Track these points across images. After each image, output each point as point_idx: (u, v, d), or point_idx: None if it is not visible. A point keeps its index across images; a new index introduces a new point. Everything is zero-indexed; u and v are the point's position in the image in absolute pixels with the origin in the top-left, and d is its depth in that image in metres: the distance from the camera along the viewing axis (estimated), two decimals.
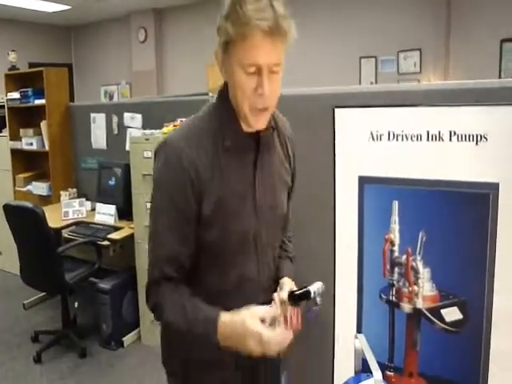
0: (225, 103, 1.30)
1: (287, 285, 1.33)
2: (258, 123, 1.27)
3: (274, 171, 1.38)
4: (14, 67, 5.38)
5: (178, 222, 1.27)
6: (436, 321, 2.05)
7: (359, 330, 2.23)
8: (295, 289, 1.28)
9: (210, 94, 4.19)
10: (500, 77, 6.19)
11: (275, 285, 1.39)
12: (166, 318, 1.27)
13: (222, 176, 1.27)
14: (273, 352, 1.14)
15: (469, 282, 2.01)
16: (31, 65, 8.89)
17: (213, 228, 1.28)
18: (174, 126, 3.61)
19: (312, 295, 1.22)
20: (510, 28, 5.96)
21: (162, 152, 1.28)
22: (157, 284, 1.29)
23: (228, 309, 1.21)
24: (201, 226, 1.28)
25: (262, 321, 1.16)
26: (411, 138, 2.11)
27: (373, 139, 2.18)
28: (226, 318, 1.19)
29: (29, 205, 3.37)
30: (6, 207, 3.48)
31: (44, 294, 4.35)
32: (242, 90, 1.21)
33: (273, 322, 1.16)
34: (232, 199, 1.28)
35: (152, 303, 1.30)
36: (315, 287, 1.25)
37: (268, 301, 1.29)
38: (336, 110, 2.26)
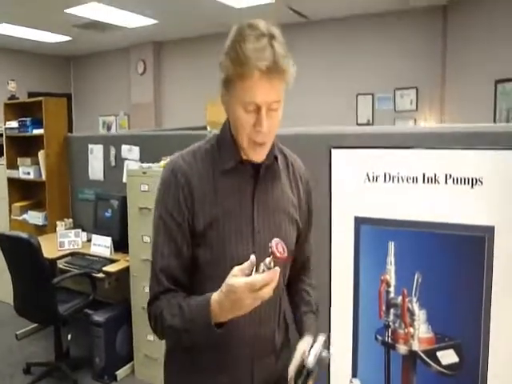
0: (227, 133, 1.35)
1: (299, 352, 1.30)
2: (257, 156, 1.30)
3: (276, 202, 1.39)
4: (13, 96, 5.42)
5: (172, 233, 1.31)
6: (432, 363, 2.05)
7: (355, 372, 2.22)
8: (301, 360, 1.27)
9: (209, 129, 4.25)
10: (495, 116, 6.27)
11: (278, 318, 1.42)
12: (165, 324, 1.26)
13: (216, 198, 1.30)
14: (267, 294, 1.11)
15: (465, 325, 2.02)
16: (30, 94, 8.98)
17: (206, 248, 1.31)
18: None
19: (314, 368, 1.23)
20: (504, 69, 6.07)
21: (164, 169, 1.37)
22: (156, 299, 1.31)
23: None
24: (194, 243, 1.31)
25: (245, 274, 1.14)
26: (407, 180, 2.14)
27: (369, 180, 2.21)
28: (214, 295, 1.18)
29: (24, 235, 3.36)
30: (1, 237, 3.47)
31: (37, 324, 4.29)
32: (241, 125, 1.25)
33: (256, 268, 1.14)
34: (227, 222, 1.30)
35: (153, 318, 1.31)
36: (316, 351, 1.26)
37: (268, 333, 1.36)
38: (333, 150, 2.29)
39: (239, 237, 1.31)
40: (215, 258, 1.30)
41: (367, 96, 7.75)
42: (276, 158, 1.38)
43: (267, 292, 1.10)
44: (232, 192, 1.32)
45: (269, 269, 1.10)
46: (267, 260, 1.11)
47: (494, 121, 6.13)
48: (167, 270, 1.31)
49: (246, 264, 1.14)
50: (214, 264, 1.30)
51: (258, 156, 1.30)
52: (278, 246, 1.11)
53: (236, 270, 1.13)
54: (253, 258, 1.14)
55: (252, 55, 1.16)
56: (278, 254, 1.09)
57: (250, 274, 1.12)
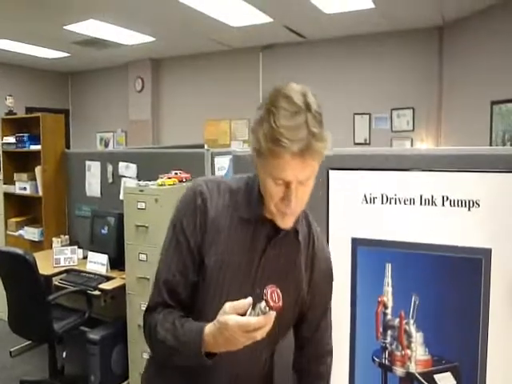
0: (255, 186, 1.33)
1: None
2: (284, 224, 1.29)
3: (285, 271, 1.38)
4: (10, 112, 5.45)
5: (183, 251, 1.32)
6: None
7: None
8: None
9: (206, 147, 4.27)
10: (491, 137, 6.32)
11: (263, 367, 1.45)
12: (157, 337, 1.27)
13: (227, 243, 1.30)
14: (260, 336, 1.11)
15: (462, 348, 2.01)
16: (28, 109, 9.01)
17: (203, 282, 1.31)
18: (169, 177, 3.65)
19: None
20: (499, 90, 6.14)
21: (188, 188, 1.37)
22: (154, 309, 1.32)
23: None
24: (198, 271, 1.32)
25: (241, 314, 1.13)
26: (404, 202, 2.15)
27: (366, 202, 2.22)
28: (208, 326, 1.18)
29: (19, 251, 3.36)
30: None
31: (31, 341, 4.26)
32: (270, 195, 1.24)
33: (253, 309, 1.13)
34: (228, 272, 1.30)
35: (147, 327, 1.33)
36: None
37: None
38: (330, 171, 2.30)
39: (236, 290, 1.29)
40: (209, 297, 1.31)
41: (364, 116, 7.80)
42: (297, 231, 1.37)
43: (261, 334, 1.11)
44: (244, 244, 1.32)
45: (264, 313, 1.10)
46: (262, 304, 1.10)
47: (490, 141, 6.19)
48: (170, 284, 1.32)
49: (241, 303, 1.13)
50: (208, 302, 1.32)
51: (286, 224, 1.29)
52: (272, 294, 1.09)
53: (228, 307, 1.13)
54: (250, 299, 1.13)
55: (285, 134, 1.12)
56: (271, 303, 1.08)
57: (243, 314, 1.12)
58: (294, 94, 1.20)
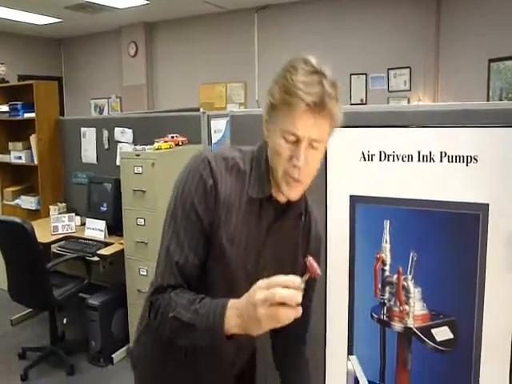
0: (262, 162, 1.33)
1: None
2: (291, 193, 1.27)
3: (287, 252, 1.39)
4: (3, 80, 5.37)
5: (195, 230, 1.28)
6: (427, 340, 2.05)
7: (350, 350, 2.23)
8: None
9: (202, 110, 4.22)
10: (488, 95, 6.28)
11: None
12: (170, 314, 1.21)
13: (237, 221, 1.30)
14: (285, 315, 1.03)
15: (459, 302, 2.02)
16: (21, 77, 8.88)
17: (216, 262, 1.31)
18: (165, 141, 3.62)
19: None
20: (497, 48, 6.06)
21: (194, 161, 1.32)
22: (164, 291, 1.26)
23: None
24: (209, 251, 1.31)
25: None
26: (402, 159, 2.13)
27: (364, 159, 2.20)
28: (235, 300, 1.14)
29: (17, 220, 3.35)
30: None
31: (32, 309, 4.29)
32: (278, 154, 1.22)
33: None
34: (237, 245, 1.30)
35: (156, 308, 1.26)
36: None
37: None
38: None
39: (244, 263, 1.32)
40: (222, 273, 1.31)
41: (361, 76, 7.71)
42: (301, 214, 1.39)
43: (285, 314, 1.04)
44: (251, 222, 1.32)
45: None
46: (298, 278, 1.06)
47: (488, 99, 6.14)
48: (183, 266, 1.27)
49: (288, 278, 1.06)
50: (223, 278, 1.32)
51: (292, 194, 1.27)
52: (313, 263, 1.09)
53: (263, 282, 1.07)
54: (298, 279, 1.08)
55: (301, 87, 1.15)
56: (317, 271, 1.08)
57: None
58: (311, 58, 1.24)
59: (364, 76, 7.69)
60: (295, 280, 1.05)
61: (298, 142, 1.19)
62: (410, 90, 7.32)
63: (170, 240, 1.29)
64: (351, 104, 7.61)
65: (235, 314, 1.11)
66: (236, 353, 1.42)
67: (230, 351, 1.37)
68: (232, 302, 1.13)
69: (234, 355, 1.43)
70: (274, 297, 1.02)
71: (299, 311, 1.04)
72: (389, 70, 7.45)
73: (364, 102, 7.69)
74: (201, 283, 1.30)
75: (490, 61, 6.24)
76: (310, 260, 1.09)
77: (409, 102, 7.22)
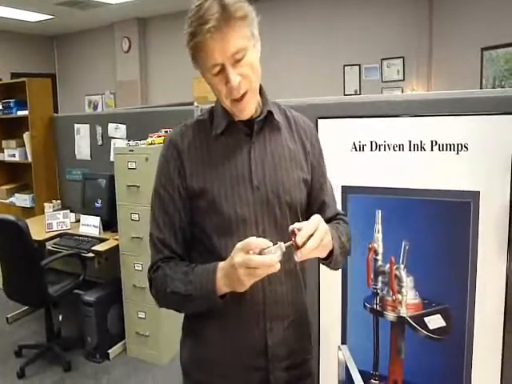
0: (218, 103, 1.35)
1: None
2: (242, 112, 1.28)
3: (278, 156, 1.35)
4: None
5: (165, 205, 1.33)
6: (420, 328, 2.06)
7: (344, 339, 2.23)
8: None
9: (196, 104, 4.20)
10: (481, 84, 6.28)
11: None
12: (168, 290, 1.26)
13: (210, 162, 1.31)
14: (258, 275, 1.10)
15: (451, 290, 2.03)
16: (14, 75, 8.87)
17: (206, 213, 1.30)
18: (159, 136, 3.61)
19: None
20: (490, 37, 6.06)
21: (162, 148, 1.39)
22: (158, 266, 1.32)
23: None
24: (195, 212, 1.32)
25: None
26: (393, 148, 2.13)
27: (356, 149, 2.20)
28: (221, 263, 1.19)
29: (11, 218, 3.34)
30: None
31: (28, 307, 4.29)
32: (217, 90, 1.25)
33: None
34: (222, 184, 1.29)
35: (154, 284, 1.32)
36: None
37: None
38: (319, 120, 2.27)
39: (237, 196, 1.29)
40: (218, 221, 1.29)
41: (354, 67, 7.71)
42: (270, 112, 1.34)
43: (263, 272, 1.10)
44: (227, 153, 1.32)
45: (282, 252, 1.10)
46: (282, 244, 1.10)
47: (481, 88, 6.14)
48: (164, 241, 1.33)
49: (258, 241, 1.11)
50: (220, 228, 1.29)
51: (243, 112, 1.28)
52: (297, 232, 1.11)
53: (240, 244, 1.12)
54: (269, 243, 1.11)
55: (196, 21, 1.16)
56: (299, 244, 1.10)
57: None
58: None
59: (357, 67, 7.69)
60: (266, 242, 1.10)
61: (223, 68, 1.20)
62: (403, 79, 7.32)
63: (151, 223, 1.37)
64: (345, 95, 7.61)
65: (223, 275, 1.17)
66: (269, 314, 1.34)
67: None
68: (219, 265, 1.19)
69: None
70: (250, 263, 1.08)
71: (277, 268, 1.09)
72: (382, 60, 7.45)
73: (358, 92, 7.69)
74: (201, 243, 1.34)
75: (483, 49, 6.24)
76: (295, 230, 1.12)
77: (402, 92, 7.22)
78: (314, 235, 1.13)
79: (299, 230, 1.13)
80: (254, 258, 1.08)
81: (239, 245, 1.12)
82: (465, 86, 5.88)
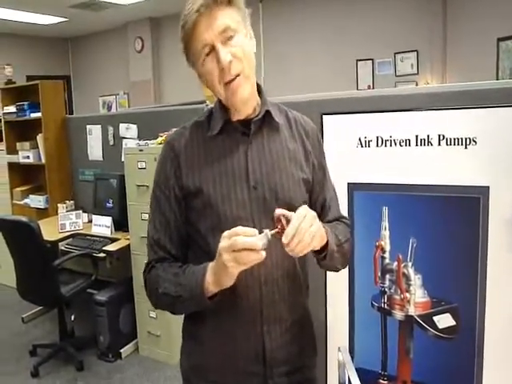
0: (216, 104, 1.34)
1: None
2: (236, 96, 1.24)
3: (276, 155, 1.32)
4: (10, 81, 5.39)
5: (161, 206, 1.33)
6: (428, 328, 2.02)
7: (351, 339, 2.20)
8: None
9: (207, 102, 4.19)
10: (498, 76, 6.17)
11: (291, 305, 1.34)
12: (159, 291, 1.26)
13: (206, 162, 1.29)
14: (247, 259, 1.06)
15: (461, 288, 1.98)
16: (29, 77, 8.93)
17: (202, 214, 1.28)
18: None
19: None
20: (506, 26, 5.94)
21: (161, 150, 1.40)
22: (152, 267, 1.33)
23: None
24: (191, 213, 1.31)
25: None
26: (400, 144, 2.08)
27: (361, 145, 2.16)
28: (211, 262, 1.17)
29: (23, 219, 3.36)
30: (1, 221, 3.48)
31: (42, 307, 4.33)
32: (210, 75, 1.23)
33: None
34: (218, 184, 1.27)
35: (148, 285, 1.33)
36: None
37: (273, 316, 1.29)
38: (324, 116, 2.24)
39: (233, 196, 1.26)
40: (213, 221, 1.26)
41: (367, 61, 7.63)
42: (268, 111, 1.32)
43: (248, 259, 1.06)
44: (223, 153, 1.30)
45: (268, 239, 1.08)
46: (267, 231, 1.09)
47: (497, 79, 6.03)
48: (159, 241, 1.33)
49: (245, 229, 1.08)
50: (215, 229, 1.25)
51: (236, 95, 1.23)
52: (280, 218, 1.11)
53: (226, 232, 1.10)
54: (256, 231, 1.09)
55: (188, 10, 1.18)
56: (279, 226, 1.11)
57: None
58: None
59: (370, 61, 7.60)
60: (253, 230, 1.08)
61: (212, 49, 1.19)
62: (417, 73, 7.21)
63: (148, 224, 1.38)
64: (358, 90, 7.54)
65: (211, 272, 1.16)
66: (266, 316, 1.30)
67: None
68: (209, 265, 1.17)
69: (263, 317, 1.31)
70: (236, 243, 1.05)
71: (261, 255, 1.06)
72: (395, 54, 7.35)
73: (371, 87, 7.60)
74: (196, 244, 1.33)
75: (499, 40, 6.12)
76: (280, 217, 1.11)
77: (417, 86, 7.12)
78: (302, 223, 1.10)
79: (285, 216, 1.11)
80: (237, 238, 1.06)
81: (226, 232, 1.09)
82: (480, 79, 5.77)
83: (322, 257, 1.28)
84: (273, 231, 1.09)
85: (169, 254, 1.32)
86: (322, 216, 1.38)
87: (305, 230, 1.10)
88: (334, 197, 1.49)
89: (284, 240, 1.09)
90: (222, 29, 1.18)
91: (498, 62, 6.12)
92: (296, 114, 1.45)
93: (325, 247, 1.25)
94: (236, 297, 1.23)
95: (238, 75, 1.21)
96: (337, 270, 1.43)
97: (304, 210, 1.15)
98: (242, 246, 1.05)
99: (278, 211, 1.13)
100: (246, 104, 1.28)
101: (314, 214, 1.16)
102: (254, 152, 1.30)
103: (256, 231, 1.08)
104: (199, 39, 1.19)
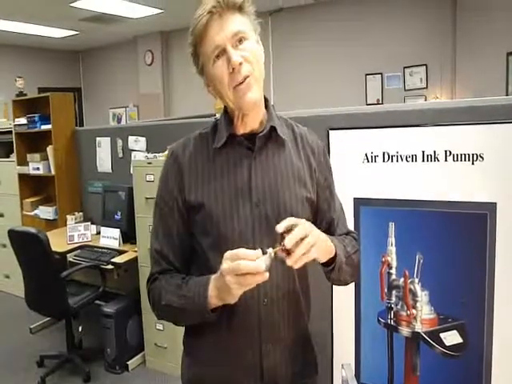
0: (222, 116, 1.34)
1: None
2: (244, 97, 1.22)
3: (280, 172, 1.31)
4: (21, 93, 5.45)
5: (164, 217, 1.34)
6: (435, 345, 2.01)
7: (357, 355, 2.19)
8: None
9: (217, 115, 4.22)
10: (507, 90, 6.16)
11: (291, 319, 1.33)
12: (162, 302, 1.26)
13: (209, 176, 1.29)
14: (252, 283, 1.06)
15: (468, 305, 1.97)
16: (41, 89, 9.03)
17: (204, 229, 1.28)
18: None
19: None
20: None
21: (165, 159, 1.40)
22: (155, 278, 1.33)
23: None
24: (193, 226, 1.31)
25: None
26: (406, 159, 2.09)
27: (368, 161, 2.17)
28: (214, 275, 1.16)
29: (32, 230, 3.39)
30: (11, 232, 3.50)
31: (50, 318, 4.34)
32: (219, 78, 1.22)
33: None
34: (220, 199, 1.27)
35: (151, 296, 1.33)
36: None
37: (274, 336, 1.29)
38: (330, 131, 2.25)
39: (235, 212, 1.26)
40: (214, 237, 1.26)
41: (376, 76, 7.63)
42: (273, 127, 1.31)
43: (251, 281, 1.06)
44: (227, 168, 1.29)
45: (270, 259, 1.07)
46: (271, 250, 1.08)
47: (507, 94, 6.02)
48: (161, 253, 1.33)
49: (247, 251, 1.07)
50: (216, 246, 1.25)
51: (247, 97, 1.22)
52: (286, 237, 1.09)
53: (228, 253, 1.09)
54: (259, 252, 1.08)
55: (199, 11, 1.18)
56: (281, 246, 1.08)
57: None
58: None
59: (379, 76, 7.61)
60: (257, 253, 1.06)
61: (223, 52, 1.19)
62: (426, 87, 7.20)
63: (151, 235, 1.38)
64: (367, 104, 7.55)
65: (214, 286, 1.15)
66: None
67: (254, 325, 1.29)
68: (212, 277, 1.17)
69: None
70: (238, 268, 1.05)
71: (266, 276, 1.06)
72: (404, 68, 7.35)
73: (380, 102, 7.60)
74: (198, 257, 1.33)
75: (508, 54, 6.12)
76: (284, 235, 1.09)
77: (426, 100, 7.11)
78: (306, 239, 1.10)
79: (289, 232, 1.09)
80: (241, 263, 1.05)
81: (227, 254, 1.09)
82: (490, 93, 5.79)
83: (331, 269, 1.27)
84: (275, 249, 1.08)
85: (172, 265, 1.33)
86: (329, 232, 1.36)
87: (307, 249, 1.10)
88: (342, 215, 1.48)
89: (288, 262, 1.09)
90: (233, 32, 1.18)
91: (507, 76, 6.12)
92: (303, 129, 1.44)
93: (333, 259, 1.25)
94: (235, 316, 1.23)
95: (248, 77, 1.20)
96: (346, 284, 1.42)
97: (307, 225, 1.14)
98: (245, 270, 1.05)
99: (280, 228, 1.11)
100: (253, 109, 1.27)
101: (319, 232, 1.17)
102: (257, 168, 1.29)
103: (259, 252, 1.07)
104: (210, 41, 1.19)
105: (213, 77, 1.23)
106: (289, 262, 1.09)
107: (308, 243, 1.10)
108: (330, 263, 1.26)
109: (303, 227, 1.12)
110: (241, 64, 1.18)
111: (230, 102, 1.25)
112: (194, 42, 1.23)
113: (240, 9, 1.21)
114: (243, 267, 1.05)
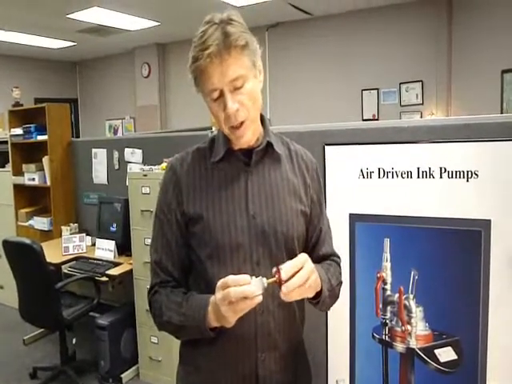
0: (219, 131, 1.36)
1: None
2: (240, 140, 1.28)
3: (275, 186, 1.35)
4: (17, 103, 5.45)
5: (163, 229, 1.36)
6: (430, 361, 2.01)
7: (352, 371, 2.19)
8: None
9: (214, 129, 4.23)
10: (502, 107, 6.23)
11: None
12: (163, 318, 1.29)
13: (207, 190, 1.32)
14: (245, 308, 1.10)
15: (463, 321, 1.98)
16: (37, 100, 9.05)
17: (201, 241, 1.30)
18: None
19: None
20: (510, 58, 6.02)
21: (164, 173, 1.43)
22: (156, 291, 1.35)
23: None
24: (192, 238, 1.33)
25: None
26: (402, 175, 2.11)
27: (363, 177, 2.18)
28: (212, 297, 1.19)
29: (27, 241, 3.38)
30: (5, 243, 3.49)
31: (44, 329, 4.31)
32: (216, 116, 1.26)
33: None
34: (218, 212, 1.29)
35: (153, 308, 1.35)
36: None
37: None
38: (326, 147, 2.27)
39: (232, 224, 1.29)
40: (212, 248, 1.29)
41: (372, 91, 7.69)
42: (270, 143, 1.34)
43: (244, 306, 1.10)
44: (224, 181, 1.33)
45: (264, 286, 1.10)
46: (264, 279, 1.10)
47: (501, 111, 6.08)
48: (160, 264, 1.35)
49: (236, 277, 1.11)
50: (214, 256, 1.29)
51: (240, 139, 1.28)
52: (281, 272, 1.11)
53: (219, 282, 1.13)
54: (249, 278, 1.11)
55: (199, 46, 1.19)
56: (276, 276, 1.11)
57: None
58: (216, 14, 1.26)
59: (375, 91, 7.67)
60: (245, 278, 1.09)
61: (221, 94, 1.22)
62: (422, 103, 7.26)
63: (150, 246, 1.41)
64: (363, 120, 7.60)
65: (211, 311, 1.19)
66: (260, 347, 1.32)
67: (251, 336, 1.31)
68: (211, 299, 1.19)
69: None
70: (229, 296, 1.09)
71: (258, 300, 1.09)
72: (400, 84, 7.42)
73: (376, 117, 7.66)
74: (195, 269, 1.35)
75: (503, 72, 6.19)
76: (280, 269, 1.11)
77: (421, 116, 7.17)
78: (300, 272, 1.13)
79: (283, 269, 1.12)
80: (231, 290, 1.09)
81: (219, 283, 1.13)
82: (485, 110, 5.85)
83: (315, 303, 1.32)
84: (270, 280, 1.11)
85: (171, 276, 1.35)
86: (316, 247, 1.43)
87: (303, 282, 1.13)
88: (329, 231, 1.51)
89: (284, 290, 1.11)
90: (232, 78, 1.20)
91: (502, 93, 6.19)
92: (297, 147, 1.48)
93: (318, 294, 1.28)
94: (232, 328, 1.23)
95: (244, 121, 1.24)
96: (325, 311, 1.47)
97: (303, 259, 1.17)
98: (235, 297, 1.08)
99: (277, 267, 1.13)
100: (249, 143, 1.32)
101: (312, 266, 1.19)
102: (254, 181, 1.33)
103: (247, 277, 1.10)
104: (208, 82, 1.21)
105: (211, 109, 1.28)
106: (282, 294, 1.12)
107: (302, 276, 1.13)
108: (315, 297, 1.29)
109: (299, 260, 1.15)
110: (237, 110, 1.22)
111: (226, 134, 1.30)
112: (194, 72, 1.24)
113: (243, 48, 1.22)
114: (233, 294, 1.08)
